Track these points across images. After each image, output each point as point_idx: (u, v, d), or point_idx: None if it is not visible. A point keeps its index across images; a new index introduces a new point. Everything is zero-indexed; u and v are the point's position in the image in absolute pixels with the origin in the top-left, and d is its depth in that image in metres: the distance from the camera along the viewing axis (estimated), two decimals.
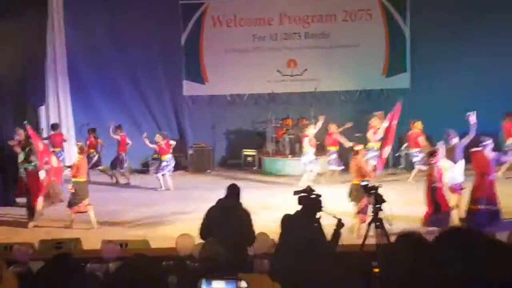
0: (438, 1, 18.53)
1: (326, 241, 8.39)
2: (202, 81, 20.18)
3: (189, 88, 20.22)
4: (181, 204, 15.47)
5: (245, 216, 8.97)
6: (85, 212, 13.67)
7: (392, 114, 15.57)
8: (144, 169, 19.61)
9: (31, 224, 13.88)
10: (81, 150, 14.52)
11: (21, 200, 16.21)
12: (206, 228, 8.93)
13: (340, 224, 8.54)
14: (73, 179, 13.85)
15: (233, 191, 9.40)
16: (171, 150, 17.64)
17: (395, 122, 15.51)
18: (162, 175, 17.30)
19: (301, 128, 18.82)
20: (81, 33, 19.58)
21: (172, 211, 14.85)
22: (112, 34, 19.46)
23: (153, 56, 19.89)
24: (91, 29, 19.45)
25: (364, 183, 9.44)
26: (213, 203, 15.01)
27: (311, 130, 16.94)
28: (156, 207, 15.30)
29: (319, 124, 17.02)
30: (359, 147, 13.37)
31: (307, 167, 16.68)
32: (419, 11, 19.04)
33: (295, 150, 18.81)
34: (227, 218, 8.84)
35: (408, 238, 1.04)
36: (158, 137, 17.52)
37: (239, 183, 17.25)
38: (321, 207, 8.56)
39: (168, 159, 17.54)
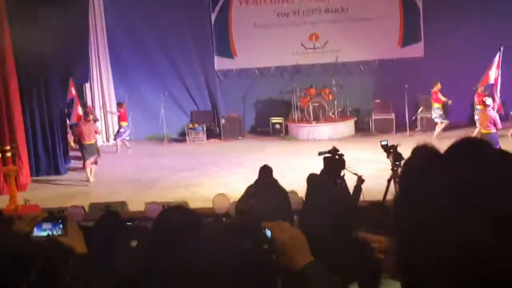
0: None
1: (349, 196, 8.43)
2: (232, 56, 20.22)
3: (220, 63, 20.27)
4: (216, 168, 15.60)
5: (283, 193, 8.87)
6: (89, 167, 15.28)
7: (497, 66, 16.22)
8: (181, 138, 19.72)
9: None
10: (84, 117, 16.14)
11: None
12: (245, 201, 8.93)
13: (360, 181, 8.57)
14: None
15: (266, 172, 9.29)
16: (129, 118, 18.72)
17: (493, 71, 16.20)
18: (120, 140, 18.36)
19: (323, 97, 18.92)
20: (119, 16, 19.70)
21: (207, 175, 14.98)
22: (147, 16, 19.48)
23: (186, 35, 19.91)
24: (128, 13, 19.54)
25: (383, 143, 9.42)
26: (244, 166, 15.13)
27: (439, 87, 17.31)
28: (192, 172, 15.42)
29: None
30: (489, 101, 14.13)
31: (437, 120, 17.39)
32: None
33: (319, 117, 18.81)
34: (265, 193, 8.76)
35: (421, 148, 1.07)
36: (123, 105, 18.64)
37: (268, 148, 17.42)
38: (344, 166, 8.60)
39: (125, 126, 18.53)
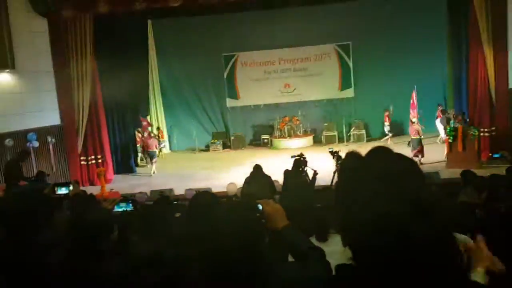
0: (368, 47, 18.26)
1: (309, 182, 8.41)
2: (237, 97, 20.13)
3: (229, 102, 20.17)
4: (228, 167, 15.57)
5: (270, 181, 8.69)
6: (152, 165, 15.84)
7: (412, 97, 15.72)
8: (206, 149, 19.63)
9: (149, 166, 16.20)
10: (148, 135, 16.48)
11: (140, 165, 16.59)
12: (246, 188, 8.73)
13: (315, 173, 8.55)
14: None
15: (258, 168, 9.11)
16: (165, 136, 19.15)
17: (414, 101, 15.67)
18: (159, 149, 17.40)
19: (293, 123, 18.91)
20: (168, 72, 19.67)
21: (223, 171, 14.94)
22: (186, 72, 19.38)
23: (209, 84, 19.86)
24: (172, 71, 19.52)
25: (330, 150, 9.37)
26: (246, 165, 14.99)
27: (387, 112, 17.26)
28: (213, 169, 15.39)
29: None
30: (415, 119, 14.21)
31: (388, 132, 17.29)
32: (357, 53, 18.88)
33: (291, 134, 18.81)
34: (258, 181, 8.61)
35: (351, 153, 1.08)
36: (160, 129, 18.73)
37: (260, 154, 17.35)
38: (306, 164, 8.58)
39: (163, 141, 18.48)
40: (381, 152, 1.16)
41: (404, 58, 17.55)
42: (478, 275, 1.18)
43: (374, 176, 1.07)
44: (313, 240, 3.55)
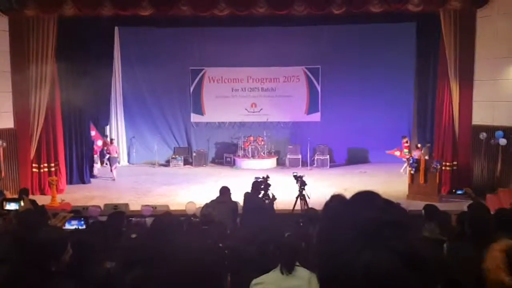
0: (337, 72, 18.60)
1: (267, 205, 8.41)
2: (202, 113, 20.03)
3: (194, 118, 20.06)
4: (188, 184, 15.39)
5: (235, 206, 8.49)
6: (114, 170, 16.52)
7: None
8: (166, 164, 19.37)
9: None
10: (111, 143, 17.18)
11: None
12: (205, 210, 8.46)
13: (273, 198, 8.57)
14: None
15: (225, 191, 8.84)
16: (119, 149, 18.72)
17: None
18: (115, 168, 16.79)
19: (258, 143, 18.91)
20: (131, 82, 19.39)
21: (182, 188, 14.75)
22: (150, 84, 19.20)
23: (174, 98, 19.70)
24: (137, 81, 19.26)
25: (294, 174, 9.42)
26: (206, 184, 14.85)
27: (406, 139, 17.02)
28: (173, 186, 15.16)
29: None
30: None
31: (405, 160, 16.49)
32: (325, 77, 19.14)
33: (255, 155, 18.78)
34: (223, 205, 8.36)
35: (336, 196, 1.06)
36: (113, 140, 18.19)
37: (222, 173, 17.28)
38: (268, 187, 8.58)
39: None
40: (367, 199, 1.12)
41: (372, 87, 17.97)
42: None
43: (360, 228, 1.02)
44: (278, 268, 3.50)
